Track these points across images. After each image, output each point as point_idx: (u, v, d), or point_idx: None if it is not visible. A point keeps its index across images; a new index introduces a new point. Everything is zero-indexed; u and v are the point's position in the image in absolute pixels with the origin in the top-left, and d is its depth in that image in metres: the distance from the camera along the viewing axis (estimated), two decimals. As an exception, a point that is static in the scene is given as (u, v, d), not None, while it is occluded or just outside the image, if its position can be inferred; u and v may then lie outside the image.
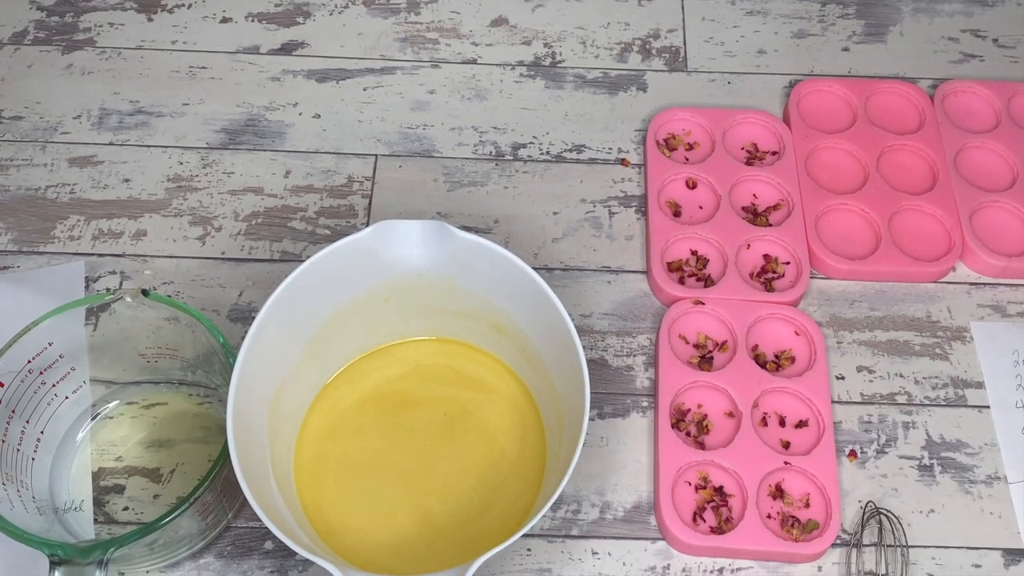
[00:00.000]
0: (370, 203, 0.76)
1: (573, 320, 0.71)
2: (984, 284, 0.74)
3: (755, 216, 0.75)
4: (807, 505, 0.63)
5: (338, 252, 0.59)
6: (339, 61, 0.85)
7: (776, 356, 0.69)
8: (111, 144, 0.79)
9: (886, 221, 0.75)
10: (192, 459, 0.64)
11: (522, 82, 0.84)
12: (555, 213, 0.76)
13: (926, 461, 0.66)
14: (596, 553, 0.63)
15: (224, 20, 0.87)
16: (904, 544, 0.62)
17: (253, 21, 0.87)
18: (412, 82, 0.83)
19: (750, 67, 0.85)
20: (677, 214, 0.75)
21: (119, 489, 0.63)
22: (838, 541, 0.63)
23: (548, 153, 0.80)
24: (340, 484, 0.62)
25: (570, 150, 0.80)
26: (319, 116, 0.81)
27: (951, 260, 0.73)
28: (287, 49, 0.85)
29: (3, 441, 0.58)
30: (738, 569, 0.62)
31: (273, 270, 0.73)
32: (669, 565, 0.62)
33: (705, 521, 0.62)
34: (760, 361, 0.69)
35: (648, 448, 0.66)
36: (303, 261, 0.58)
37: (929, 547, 0.63)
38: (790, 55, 0.86)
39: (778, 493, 0.63)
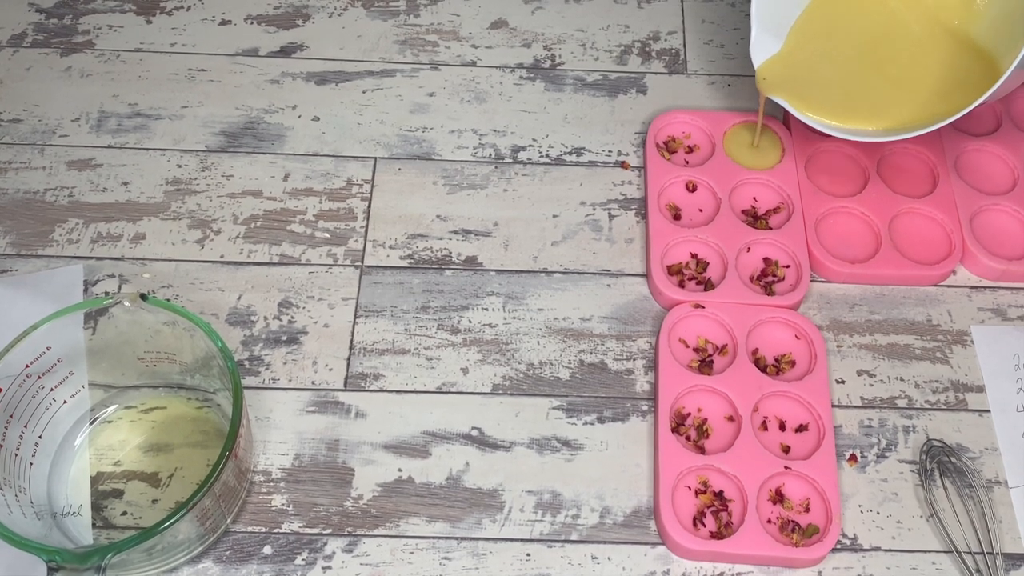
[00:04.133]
0: (369, 206, 0.76)
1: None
2: (985, 287, 0.74)
3: (755, 219, 0.75)
4: (807, 510, 0.63)
5: None
6: (338, 63, 0.84)
7: (776, 360, 0.69)
8: (110, 147, 0.79)
9: (886, 224, 0.74)
10: (191, 464, 0.64)
11: (522, 84, 0.84)
12: (555, 216, 0.76)
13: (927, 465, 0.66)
14: (596, 558, 0.62)
15: (223, 22, 0.87)
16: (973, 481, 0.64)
17: (252, 23, 0.87)
18: (411, 84, 0.83)
19: (750, 69, 0.84)
20: (677, 217, 0.75)
21: (117, 494, 0.63)
22: (838, 546, 0.63)
23: (548, 156, 0.79)
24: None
25: (570, 153, 0.80)
26: (318, 119, 0.81)
27: (951, 263, 0.73)
28: (286, 51, 0.85)
29: (1, 446, 0.58)
30: (738, 574, 0.62)
31: (272, 273, 0.73)
32: (669, 570, 0.62)
33: (705, 526, 0.62)
34: (760, 365, 0.68)
35: (648, 452, 0.66)
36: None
37: (929, 552, 0.63)
38: (790, 57, 0.86)
39: (778, 498, 0.63)
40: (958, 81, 0.72)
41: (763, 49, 0.76)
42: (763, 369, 0.68)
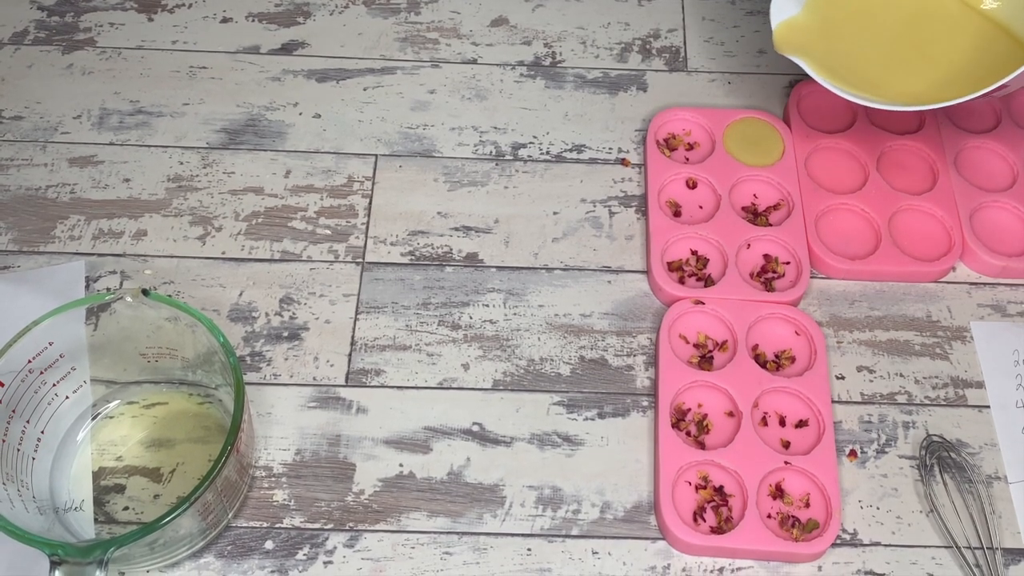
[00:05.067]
0: (370, 203, 0.76)
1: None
2: (984, 284, 0.74)
3: (755, 216, 0.75)
4: (807, 505, 0.63)
5: None
6: (339, 61, 0.85)
7: (776, 356, 0.69)
8: (111, 144, 0.79)
9: (886, 221, 0.75)
10: (192, 459, 0.64)
11: (522, 82, 0.84)
12: (555, 213, 0.76)
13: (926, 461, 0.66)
14: (596, 553, 0.63)
15: (224, 20, 0.87)
16: (974, 477, 0.64)
17: (253, 21, 0.87)
18: (412, 82, 0.83)
19: (750, 67, 0.85)
20: (677, 214, 0.75)
21: (119, 489, 0.63)
22: (838, 541, 0.63)
23: (548, 153, 0.80)
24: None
25: (570, 150, 0.80)
26: (319, 116, 0.81)
27: (951, 260, 0.73)
28: (287, 49, 0.85)
29: (3, 441, 0.58)
30: (738, 569, 0.62)
31: (273, 270, 0.73)
32: (669, 565, 0.62)
33: (705, 521, 0.62)
34: (760, 361, 0.69)
35: (648, 448, 0.66)
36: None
37: (929, 547, 0.63)
38: (790, 55, 0.86)
39: (778, 493, 0.63)
40: (991, 65, 0.72)
41: (782, 9, 0.76)
42: (763, 365, 0.68)
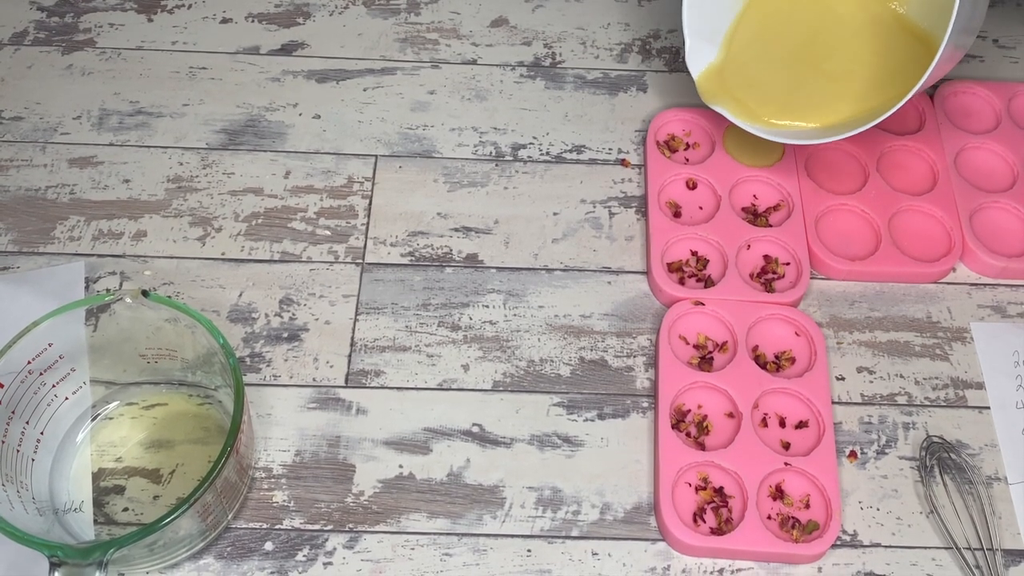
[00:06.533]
0: (370, 204, 0.76)
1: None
2: (984, 285, 0.74)
3: (755, 216, 0.75)
4: (807, 506, 0.63)
5: None
6: (339, 62, 0.85)
7: (776, 357, 0.69)
8: (111, 145, 0.79)
9: (886, 221, 0.75)
10: (192, 460, 0.64)
11: (522, 83, 0.84)
12: (555, 214, 0.76)
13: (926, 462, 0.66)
14: (596, 554, 0.63)
15: (224, 21, 0.87)
16: (974, 477, 0.64)
17: (253, 21, 0.87)
18: (412, 82, 0.83)
19: (750, 67, 0.85)
20: (677, 215, 0.75)
21: (119, 490, 0.63)
22: (838, 542, 0.63)
23: (548, 154, 0.80)
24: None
25: (570, 151, 0.80)
26: (319, 116, 0.81)
27: (951, 261, 0.73)
28: (287, 50, 0.85)
29: (3, 442, 0.58)
30: (738, 570, 0.62)
31: (273, 271, 0.73)
32: (669, 566, 0.62)
33: (705, 522, 0.62)
34: (760, 362, 0.69)
35: (648, 449, 0.66)
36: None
37: (930, 548, 0.63)
38: (790, 55, 0.86)
39: (778, 494, 0.63)
40: (899, 69, 0.73)
41: (700, 58, 0.76)
42: (763, 366, 0.68)
